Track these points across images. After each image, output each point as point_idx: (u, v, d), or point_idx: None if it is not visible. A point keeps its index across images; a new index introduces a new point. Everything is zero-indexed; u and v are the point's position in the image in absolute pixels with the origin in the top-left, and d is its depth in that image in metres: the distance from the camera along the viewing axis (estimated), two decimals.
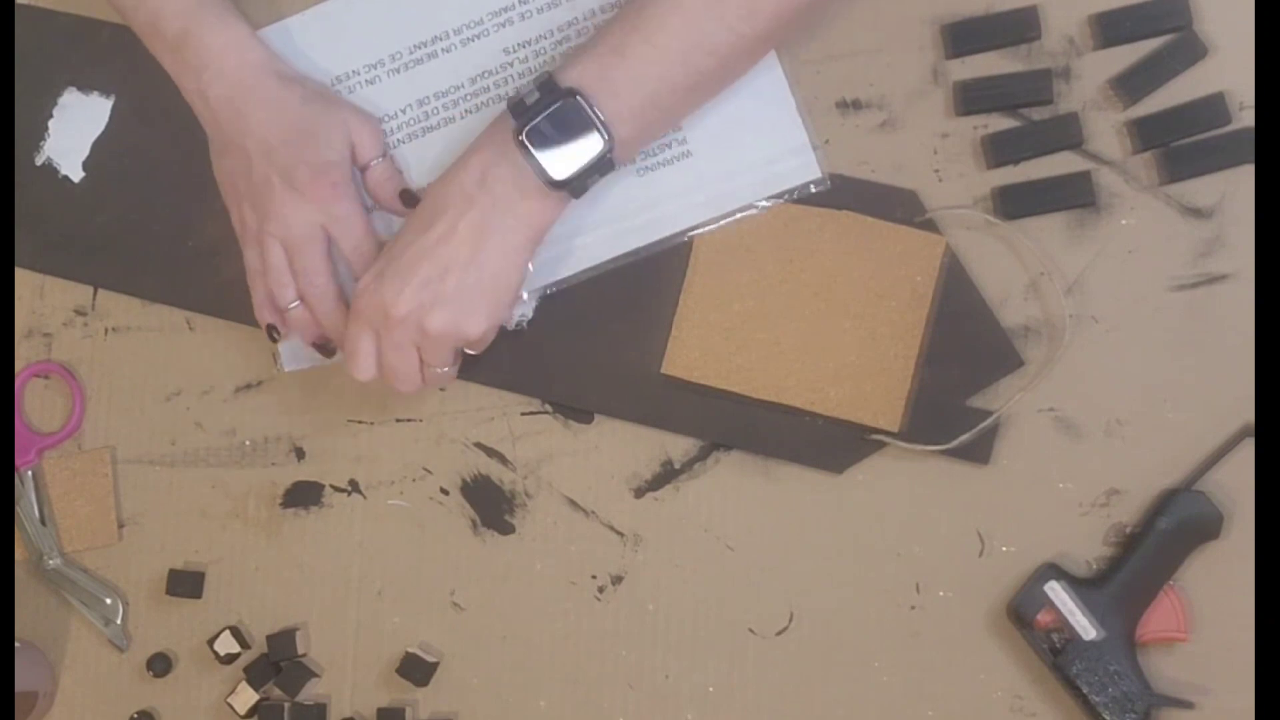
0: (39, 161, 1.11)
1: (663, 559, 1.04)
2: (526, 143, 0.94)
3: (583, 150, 0.94)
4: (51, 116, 1.12)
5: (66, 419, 1.09)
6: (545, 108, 0.93)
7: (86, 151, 1.11)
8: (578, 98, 0.93)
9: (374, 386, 1.04)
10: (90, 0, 1.10)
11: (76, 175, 1.11)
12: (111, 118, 1.11)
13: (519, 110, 0.94)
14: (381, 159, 1.04)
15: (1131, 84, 1.01)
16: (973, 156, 1.03)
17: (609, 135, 0.93)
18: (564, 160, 0.94)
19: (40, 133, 1.11)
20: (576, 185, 0.95)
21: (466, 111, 1.06)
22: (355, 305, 0.98)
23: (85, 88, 1.12)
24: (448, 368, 0.99)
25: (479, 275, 0.95)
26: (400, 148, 1.06)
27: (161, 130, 1.11)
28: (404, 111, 1.06)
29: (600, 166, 0.95)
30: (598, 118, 0.93)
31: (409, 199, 1.03)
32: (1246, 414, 0.99)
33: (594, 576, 1.04)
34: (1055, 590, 0.97)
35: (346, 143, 1.02)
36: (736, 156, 1.03)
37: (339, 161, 1.01)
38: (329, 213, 1.00)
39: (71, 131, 1.12)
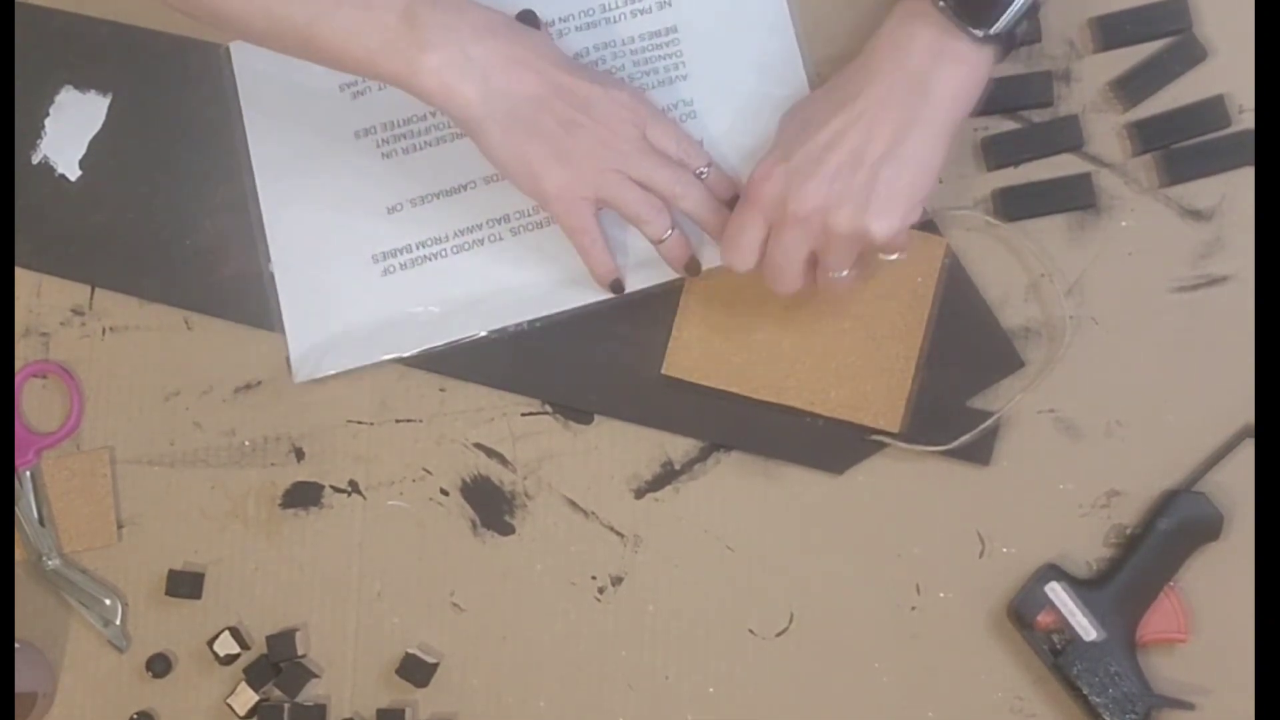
0: (35, 160, 1.11)
1: (663, 559, 1.04)
2: (946, 5, 0.87)
3: None
4: (48, 115, 1.11)
5: (65, 419, 1.08)
6: None
7: (83, 150, 1.11)
8: None
9: (372, 386, 1.04)
10: None
11: (73, 174, 1.11)
12: (108, 116, 1.11)
13: None
14: None
15: (1132, 86, 1.01)
16: (973, 158, 1.03)
17: None
18: (989, 5, 0.86)
19: (37, 131, 1.11)
20: (1006, 36, 0.88)
21: None
22: (751, 191, 0.92)
23: (82, 86, 1.11)
24: (845, 272, 0.93)
25: (898, 168, 0.88)
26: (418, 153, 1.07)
27: (158, 128, 1.11)
28: (422, 119, 1.07)
29: (1030, 7, 0.87)
30: None
31: None
32: (1246, 414, 0.99)
33: (594, 577, 1.04)
34: (1056, 591, 0.97)
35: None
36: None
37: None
38: (638, 117, 0.95)
39: (68, 130, 1.11)
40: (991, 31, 0.87)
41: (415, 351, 1.05)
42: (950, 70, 0.89)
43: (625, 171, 0.94)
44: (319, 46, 0.92)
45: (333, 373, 1.06)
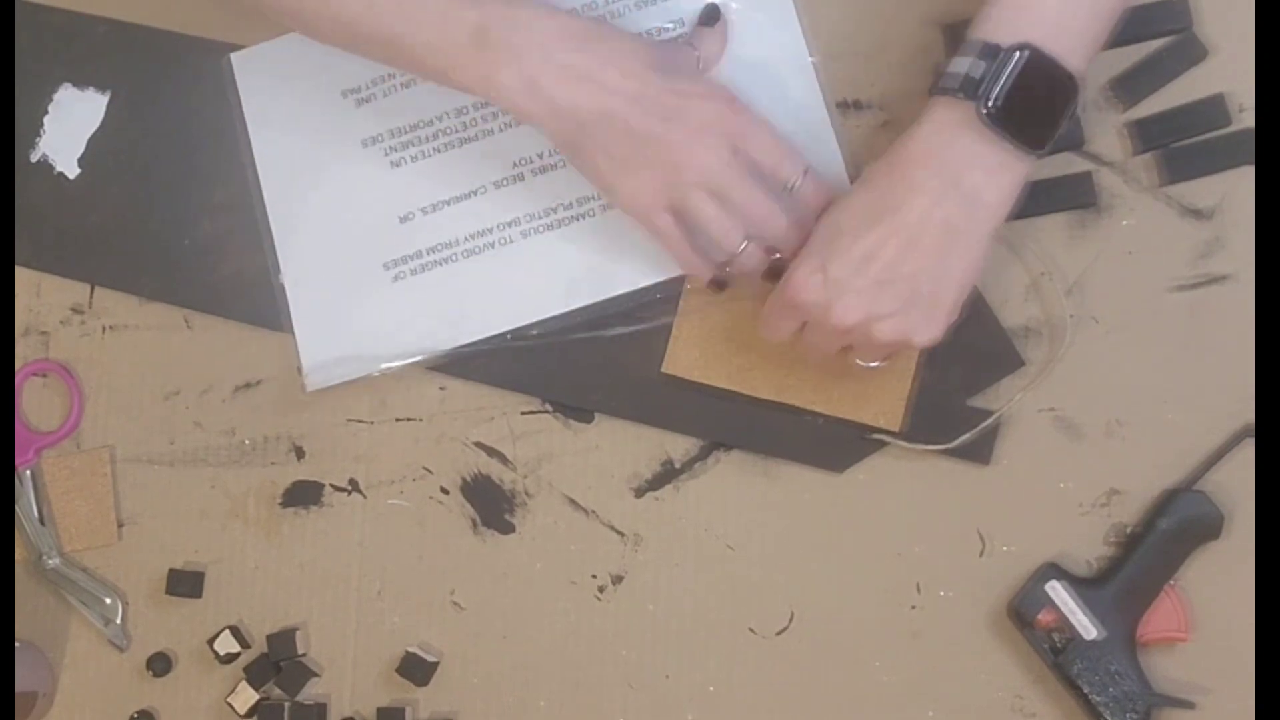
0: (34, 158, 1.11)
1: (663, 559, 1.04)
2: (991, 118, 0.86)
3: (1053, 103, 0.87)
4: (46, 113, 1.11)
5: (65, 418, 1.08)
6: (1001, 74, 0.86)
7: (82, 148, 1.11)
8: (1029, 50, 0.86)
9: (372, 385, 1.04)
10: None
11: (72, 172, 1.11)
12: (107, 114, 1.11)
13: (967, 86, 0.87)
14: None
15: (1132, 85, 1.01)
16: None
17: (1073, 75, 0.87)
18: (1038, 123, 0.87)
19: (35, 129, 1.11)
20: (1050, 143, 0.88)
21: (505, 125, 1.06)
22: (789, 295, 0.92)
23: (80, 84, 1.11)
24: (878, 363, 0.97)
25: (944, 280, 0.89)
26: (437, 156, 1.06)
27: (157, 126, 1.10)
28: (440, 119, 1.06)
29: (1072, 111, 0.88)
30: (1060, 64, 0.86)
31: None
32: (1246, 414, 0.99)
33: (594, 576, 1.04)
34: (1056, 590, 0.97)
35: (690, 49, 0.98)
36: None
37: (697, 70, 0.97)
38: (728, 127, 0.93)
39: (67, 128, 1.11)
40: (1044, 152, 0.88)
41: (426, 356, 1.05)
42: (999, 180, 0.89)
43: (705, 185, 0.93)
44: (402, 61, 0.94)
45: (345, 380, 1.05)
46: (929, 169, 0.88)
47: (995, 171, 0.88)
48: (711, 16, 1.01)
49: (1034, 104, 0.87)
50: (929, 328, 0.90)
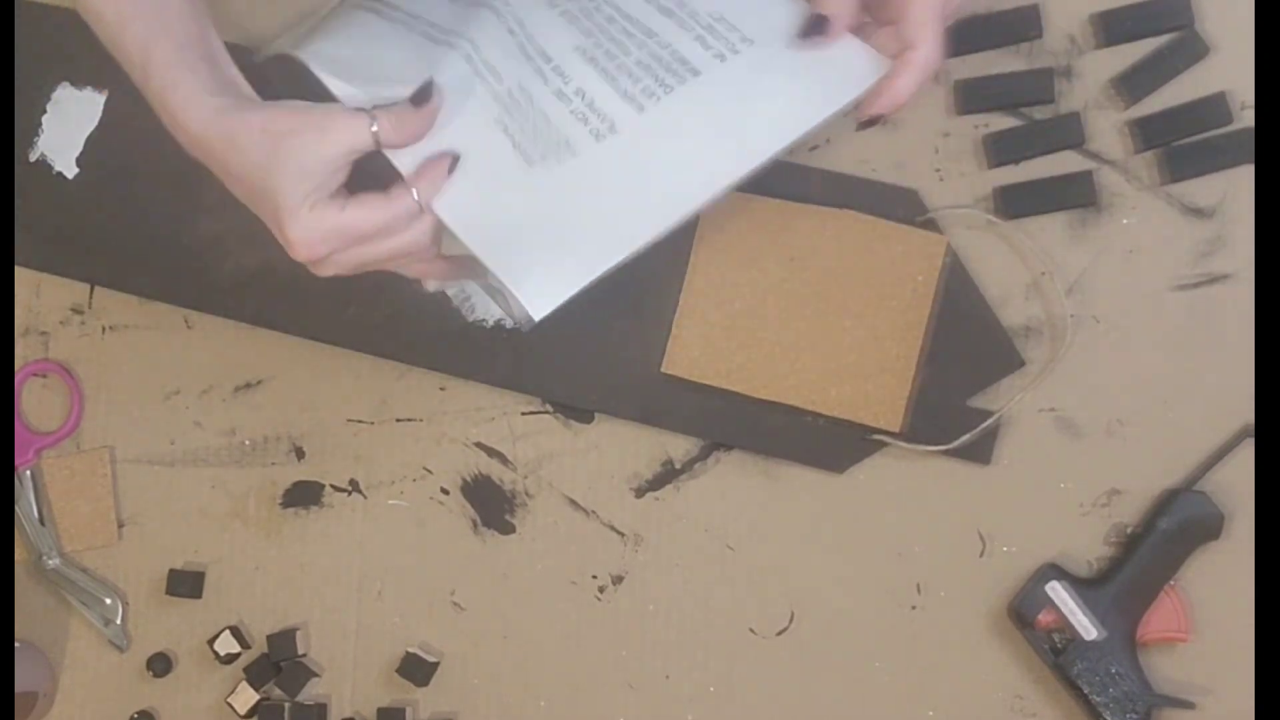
0: (33, 158, 1.11)
1: (663, 559, 1.04)
2: None
3: None
4: (45, 112, 1.11)
5: (65, 418, 1.08)
6: None
7: (80, 147, 1.11)
8: None
9: (372, 385, 1.04)
10: None
11: (70, 172, 1.10)
12: (105, 113, 1.11)
13: None
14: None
15: (1133, 83, 1.01)
16: (974, 156, 1.02)
17: None
18: None
19: (34, 129, 1.11)
20: None
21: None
22: None
23: (78, 83, 1.11)
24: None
25: None
26: None
27: (156, 125, 1.09)
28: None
29: None
30: None
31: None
32: (1246, 414, 0.99)
33: (594, 576, 1.04)
34: (1056, 590, 0.97)
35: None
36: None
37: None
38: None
39: (65, 127, 1.11)
40: None
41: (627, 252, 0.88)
42: None
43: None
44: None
45: (568, 297, 0.86)
46: None
47: None
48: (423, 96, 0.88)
49: None
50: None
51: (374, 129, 0.84)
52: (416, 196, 0.86)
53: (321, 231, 0.84)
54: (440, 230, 0.89)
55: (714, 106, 0.88)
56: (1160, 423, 1.00)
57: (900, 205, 1.02)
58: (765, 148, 0.87)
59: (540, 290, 0.87)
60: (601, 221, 0.89)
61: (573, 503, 1.04)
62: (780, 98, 0.87)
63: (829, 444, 1.02)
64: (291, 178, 0.83)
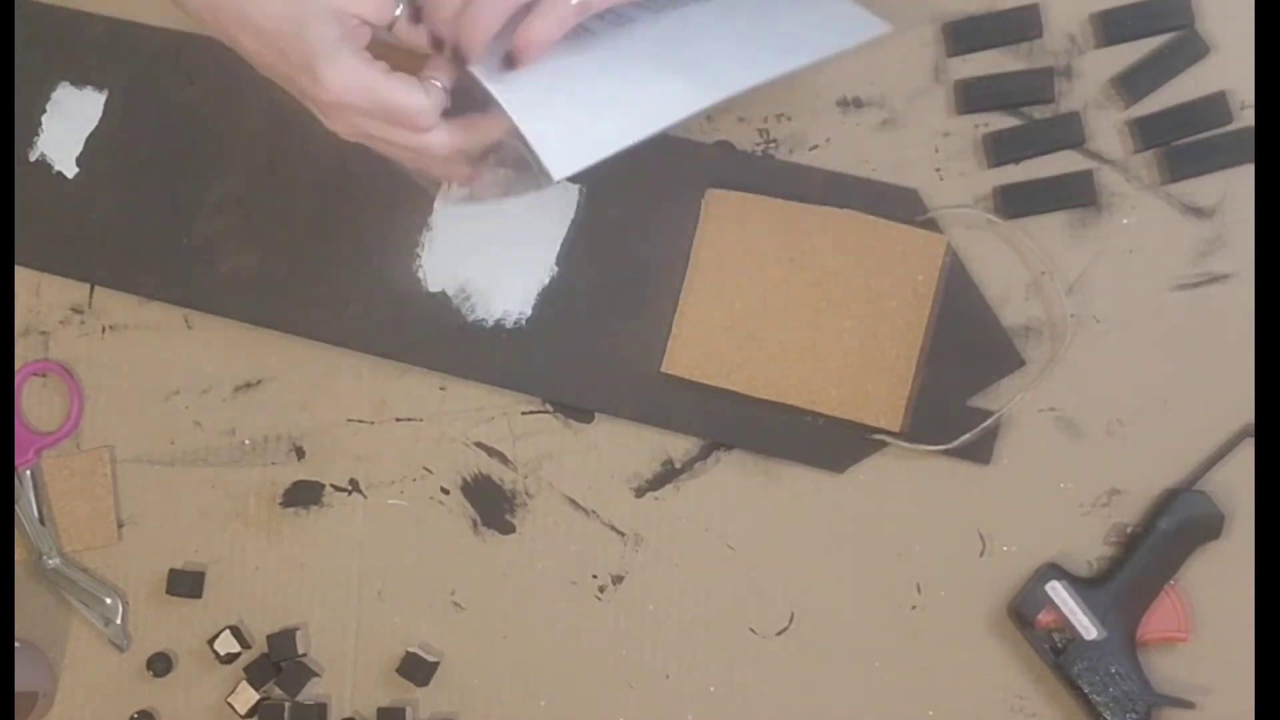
0: (33, 158, 1.11)
1: (663, 559, 1.04)
2: None
3: None
4: (45, 112, 1.11)
5: (65, 418, 1.08)
6: None
7: (80, 147, 1.11)
8: None
9: (372, 385, 1.04)
10: None
11: (70, 171, 1.11)
12: (105, 113, 1.11)
13: None
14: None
15: (1133, 83, 1.01)
16: (974, 155, 1.02)
17: None
18: None
19: (34, 128, 1.11)
20: None
21: None
22: None
23: (78, 82, 1.11)
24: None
25: None
26: None
27: (155, 124, 1.10)
28: None
29: None
30: None
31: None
32: (1246, 414, 0.99)
33: (594, 576, 1.04)
34: (1056, 590, 0.97)
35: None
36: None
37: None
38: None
39: (65, 127, 1.11)
40: None
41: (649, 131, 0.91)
42: None
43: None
44: None
45: (590, 164, 0.88)
46: None
47: None
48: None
49: None
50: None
51: (398, 11, 0.85)
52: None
53: (358, 79, 0.84)
54: (459, 149, 0.90)
55: (745, 16, 0.94)
56: (1160, 423, 1.00)
57: (900, 205, 1.02)
58: (778, 65, 0.92)
59: (563, 152, 0.88)
60: (636, 94, 0.92)
61: (573, 502, 1.04)
62: (798, 25, 0.94)
63: (829, 444, 1.02)
64: (322, 19, 0.82)
